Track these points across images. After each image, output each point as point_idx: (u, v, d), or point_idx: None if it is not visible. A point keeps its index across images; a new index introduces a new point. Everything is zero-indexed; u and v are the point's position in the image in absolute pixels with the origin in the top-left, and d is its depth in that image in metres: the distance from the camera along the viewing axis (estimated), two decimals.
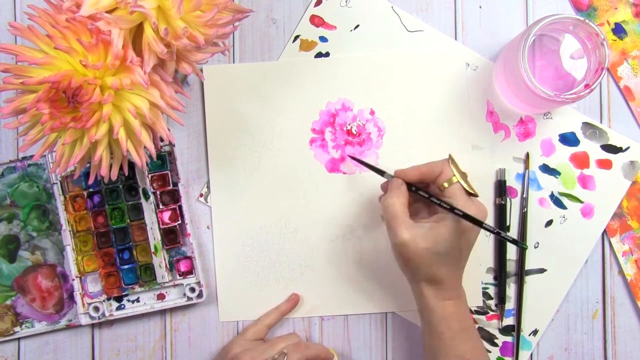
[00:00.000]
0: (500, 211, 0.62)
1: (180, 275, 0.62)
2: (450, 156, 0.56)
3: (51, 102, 0.46)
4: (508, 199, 0.63)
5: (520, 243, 0.54)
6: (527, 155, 0.63)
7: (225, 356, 0.59)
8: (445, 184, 0.54)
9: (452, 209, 0.53)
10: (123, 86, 0.46)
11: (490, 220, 0.63)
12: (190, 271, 0.62)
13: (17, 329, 0.63)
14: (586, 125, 0.63)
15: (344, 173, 0.63)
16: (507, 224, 0.63)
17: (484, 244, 0.63)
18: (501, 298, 0.62)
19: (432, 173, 0.55)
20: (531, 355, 0.63)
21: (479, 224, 0.53)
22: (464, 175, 0.55)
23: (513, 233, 0.63)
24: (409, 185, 0.56)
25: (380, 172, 0.58)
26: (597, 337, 0.63)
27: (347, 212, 0.63)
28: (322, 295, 0.63)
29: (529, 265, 0.63)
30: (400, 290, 0.63)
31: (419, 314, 0.56)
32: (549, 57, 0.59)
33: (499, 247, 0.63)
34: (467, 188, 0.54)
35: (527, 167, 0.63)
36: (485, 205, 0.55)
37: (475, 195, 0.55)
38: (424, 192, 0.55)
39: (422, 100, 0.63)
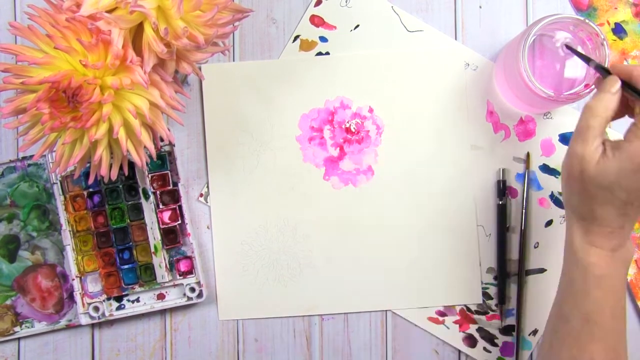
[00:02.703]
0: (501, 211, 0.62)
1: (180, 275, 0.62)
2: None
3: (51, 102, 0.46)
4: (508, 199, 0.63)
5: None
6: (528, 155, 0.63)
7: None
8: None
9: None
10: (123, 86, 0.46)
11: (490, 220, 0.63)
12: (190, 271, 0.62)
13: (17, 328, 0.63)
14: None
15: (343, 171, 0.63)
16: (508, 224, 0.63)
17: (484, 244, 0.63)
18: (501, 298, 0.62)
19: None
20: (531, 355, 0.63)
21: None
22: None
23: (513, 233, 0.63)
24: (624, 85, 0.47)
25: (587, 60, 0.52)
26: None
27: (346, 210, 0.63)
28: (322, 294, 0.63)
29: (529, 265, 0.63)
30: (401, 288, 0.63)
31: (564, 250, 0.50)
32: (549, 57, 0.59)
33: (499, 247, 0.63)
34: None
35: (527, 167, 0.63)
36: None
37: None
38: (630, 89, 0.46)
39: (421, 100, 0.63)
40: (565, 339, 0.48)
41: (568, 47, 0.54)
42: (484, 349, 0.63)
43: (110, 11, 0.47)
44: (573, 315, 0.47)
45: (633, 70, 0.46)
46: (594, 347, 0.47)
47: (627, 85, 0.47)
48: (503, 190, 0.62)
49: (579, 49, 0.54)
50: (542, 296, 0.63)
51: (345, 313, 0.64)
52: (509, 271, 0.63)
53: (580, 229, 0.47)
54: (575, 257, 0.47)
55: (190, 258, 0.62)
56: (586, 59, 0.52)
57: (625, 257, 0.48)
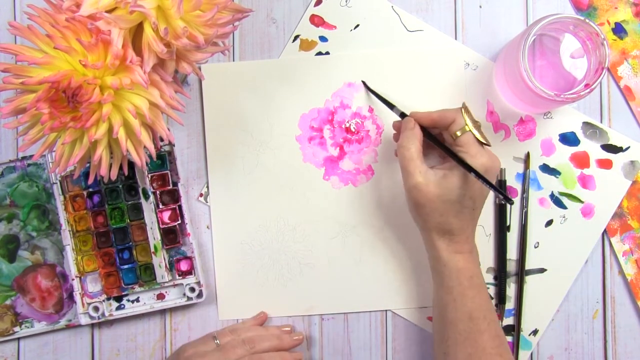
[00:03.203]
0: (501, 211, 0.62)
1: (180, 275, 0.62)
2: (464, 104, 0.55)
3: (51, 102, 0.46)
4: (496, 199, 0.63)
5: (509, 199, 0.51)
6: (528, 155, 0.63)
7: (177, 357, 0.58)
8: (458, 133, 0.54)
9: (459, 161, 0.52)
10: (123, 86, 0.46)
11: (490, 220, 0.63)
12: (190, 271, 0.62)
13: (16, 328, 0.63)
14: (586, 125, 0.63)
15: (343, 170, 0.63)
16: (508, 223, 0.63)
17: (484, 244, 0.63)
18: (501, 298, 0.62)
19: (445, 120, 0.55)
20: (531, 355, 0.63)
21: (483, 179, 0.51)
22: (476, 125, 0.54)
23: (513, 233, 0.63)
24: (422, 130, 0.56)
25: (390, 106, 0.59)
26: (597, 337, 0.63)
27: (346, 210, 0.63)
28: (322, 293, 0.63)
29: (529, 265, 0.63)
30: (401, 288, 0.63)
31: (431, 268, 0.57)
32: (549, 57, 0.59)
33: (499, 247, 0.63)
34: (479, 137, 0.54)
35: (527, 166, 0.63)
36: (498, 158, 0.55)
37: (488, 145, 0.54)
38: (435, 139, 0.55)
39: (421, 99, 0.63)
40: (458, 342, 0.53)
41: (365, 84, 0.62)
42: None
43: (110, 11, 0.47)
44: (458, 318, 0.53)
45: (431, 115, 0.55)
46: (483, 339, 0.53)
47: (425, 129, 0.56)
48: (503, 189, 0.62)
49: (376, 94, 0.62)
50: (542, 296, 0.63)
51: (345, 313, 0.64)
52: (509, 271, 0.63)
53: (444, 243, 0.54)
54: (446, 267, 0.54)
55: (190, 258, 0.62)
56: (389, 105, 0.60)
57: (477, 255, 0.56)
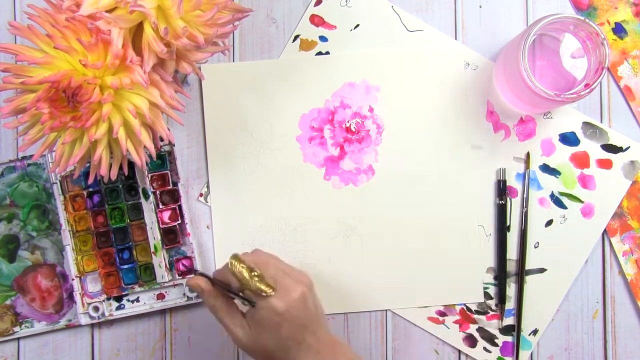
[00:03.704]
0: (501, 211, 0.62)
1: (180, 275, 0.62)
2: (232, 260, 0.52)
3: (51, 102, 0.46)
4: (508, 198, 0.63)
5: (252, 303, 0.51)
6: (528, 154, 0.63)
7: None
8: (241, 294, 0.52)
9: (249, 302, 0.51)
10: (123, 86, 0.46)
11: (490, 220, 0.63)
12: (190, 271, 0.62)
13: (16, 328, 0.63)
14: (586, 125, 0.63)
15: (344, 170, 0.63)
16: (508, 223, 0.63)
17: (484, 243, 0.63)
18: (501, 298, 0.62)
19: (224, 280, 0.53)
20: (531, 355, 0.63)
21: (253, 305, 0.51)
22: (253, 277, 0.50)
23: (513, 233, 0.63)
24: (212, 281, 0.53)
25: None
26: (597, 337, 0.63)
27: (347, 210, 0.63)
28: (322, 293, 0.63)
29: (529, 265, 0.63)
30: (401, 288, 0.63)
31: None
32: (549, 57, 0.59)
33: (499, 246, 0.63)
34: (258, 291, 0.50)
35: (527, 166, 0.63)
36: (303, 275, 0.52)
37: (269, 294, 0.50)
38: (226, 288, 0.53)
39: (421, 99, 0.63)
40: None
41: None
42: (484, 349, 0.63)
43: (110, 11, 0.47)
44: None
45: (220, 274, 0.53)
46: None
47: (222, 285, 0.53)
48: (503, 190, 0.62)
49: None
50: (542, 296, 0.63)
51: (345, 313, 0.64)
52: (509, 271, 0.63)
53: None
54: None
55: (190, 258, 0.62)
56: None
57: (344, 352, 0.53)
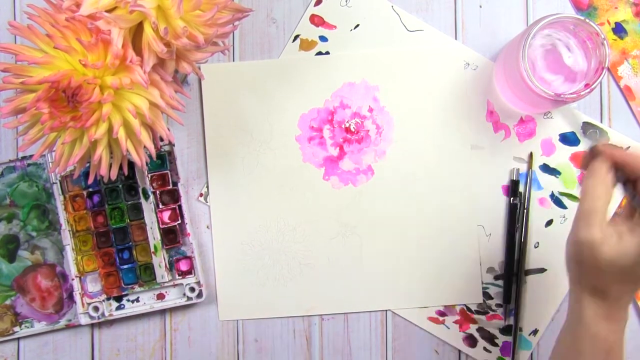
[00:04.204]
0: (511, 211, 0.62)
1: (180, 275, 0.62)
2: None
3: (51, 102, 0.46)
4: (519, 198, 0.62)
5: None
6: (531, 155, 0.63)
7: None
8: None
9: None
10: (123, 85, 0.46)
11: (501, 219, 0.63)
12: (190, 271, 0.62)
13: (16, 328, 0.63)
14: (586, 125, 0.63)
15: (343, 171, 0.63)
16: (517, 224, 0.62)
17: (484, 244, 0.63)
18: (506, 297, 0.62)
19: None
20: (531, 355, 0.63)
21: None
22: None
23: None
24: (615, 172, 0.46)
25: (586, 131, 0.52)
26: None
27: (346, 210, 0.63)
28: (322, 294, 0.63)
29: (529, 265, 0.63)
30: (401, 287, 0.63)
31: (568, 315, 0.50)
32: (549, 57, 0.58)
33: (508, 246, 0.62)
34: None
35: (530, 166, 0.63)
36: None
37: None
38: (631, 190, 0.46)
39: (421, 99, 0.63)
40: None
41: None
42: (484, 349, 0.63)
43: (109, 11, 0.47)
44: None
45: (631, 157, 0.46)
46: None
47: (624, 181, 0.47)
48: (515, 189, 0.62)
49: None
50: (542, 296, 0.63)
51: (345, 313, 0.64)
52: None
53: (593, 304, 0.47)
54: (586, 331, 0.47)
55: (190, 258, 0.62)
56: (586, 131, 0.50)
57: (625, 324, 0.48)
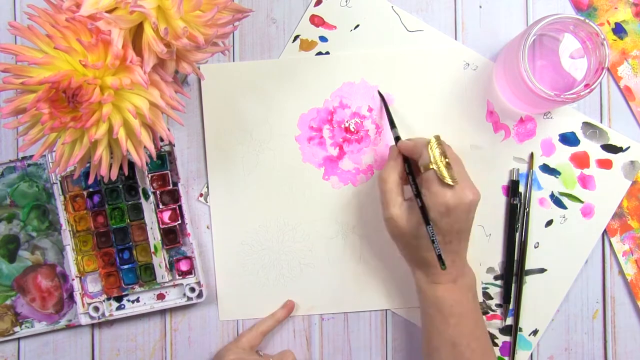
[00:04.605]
0: (511, 211, 0.62)
1: (180, 275, 0.62)
2: (435, 138, 0.54)
3: (51, 102, 0.46)
4: (519, 198, 0.62)
5: (441, 264, 0.52)
6: (532, 155, 0.63)
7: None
8: (422, 169, 0.54)
9: (416, 195, 0.53)
10: (123, 86, 0.46)
11: (501, 219, 0.63)
12: (190, 271, 0.62)
13: (17, 328, 0.63)
14: (586, 125, 0.63)
15: (343, 170, 0.63)
16: (518, 224, 0.62)
17: (484, 243, 0.63)
18: (506, 297, 0.62)
19: (415, 152, 0.55)
20: (531, 355, 0.63)
21: (427, 222, 0.52)
22: (444, 161, 0.53)
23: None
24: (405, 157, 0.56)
25: (392, 124, 0.60)
26: (597, 337, 0.63)
27: (346, 209, 0.63)
28: (322, 293, 0.63)
29: (529, 265, 0.63)
30: (401, 287, 0.63)
31: (417, 293, 0.57)
32: (549, 57, 0.59)
33: (508, 246, 0.63)
34: (442, 176, 0.52)
35: (531, 167, 0.63)
36: (473, 191, 0.53)
37: (451, 185, 0.52)
38: (411, 172, 0.55)
39: (421, 99, 0.63)
40: None
41: (380, 93, 0.62)
42: None
43: (110, 11, 0.47)
44: (441, 344, 0.54)
45: (413, 142, 0.55)
46: (454, 332, 0.54)
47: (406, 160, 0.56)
48: (515, 189, 0.62)
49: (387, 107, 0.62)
50: (542, 296, 0.63)
51: (345, 313, 0.64)
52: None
53: (422, 273, 0.55)
54: (426, 296, 0.55)
55: (190, 258, 0.62)
56: (392, 124, 0.60)
57: (467, 283, 0.55)
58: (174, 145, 0.62)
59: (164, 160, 0.62)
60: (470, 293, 0.55)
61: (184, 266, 0.62)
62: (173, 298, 0.63)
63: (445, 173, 0.52)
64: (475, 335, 0.54)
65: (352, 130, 0.63)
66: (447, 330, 0.54)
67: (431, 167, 0.53)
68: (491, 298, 0.63)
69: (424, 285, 0.55)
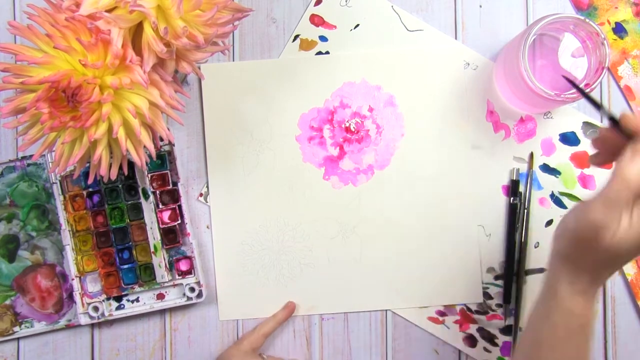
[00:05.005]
0: (511, 211, 0.62)
1: (179, 275, 0.62)
2: None
3: (51, 102, 0.46)
4: (519, 198, 0.62)
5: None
6: (532, 155, 0.63)
7: None
8: None
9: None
10: (123, 85, 0.46)
11: (501, 219, 0.63)
12: (189, 271, 0.62)
13: (16, 328, 0.63)
14: (586, 125, 0.63)
15: (343, 170, 0.63)
16: (518, 223, 0.62)
17: (484, 244, 0.63)
18: (507, 297, 0.62)
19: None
20: None
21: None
22: None
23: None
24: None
25: (598, 106, 0.46)
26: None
27: (346, 210, 0.63)
28: (322, 293, 0.63)
29: (529, 265, 0.63)
30: (401, 287, 0.63)
31: (543, 288, 0.48)
32: (549, 57, 0.59)
33: (508, 246, 0.63)
34: None
35: (531, 166, 0.63)
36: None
37: None
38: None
39: (421, 99, 0.63)
40: None
41: (568, 79, 0.51)
42: (484, 349, 0.63)
43: (109, 10, 0.47)
44: (553, 357, 0.47)
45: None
46: (571, 353, 0.46)
47: None
48: (515, 189, 0.62)
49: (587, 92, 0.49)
50: None
51: (345, 313, 0.64)
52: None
53: (569, 278, 0.45)
54: (560, 304, 0.46)
55: (190, 258, 0.62)
56: (597, 106, 0.47)
57: (595, 302, 0.48)
58: (173, 145, 0.62)
59: (163, 160, 0.62)
60: (594, 311, 0.49)
61: (183, 266, 0.62)
62: (173, 298, 0.63)
63: None
64: (588, 356, 0.47)
65: (353, 130, 0.63)
66: (564, 348, 0.46)
67: None
68: (491, 298, 0.63)
69: (565, 292, 0.45)
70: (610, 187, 0.41)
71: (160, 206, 0.61)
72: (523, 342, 0.50)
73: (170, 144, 0.62)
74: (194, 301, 0.62)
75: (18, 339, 0.63)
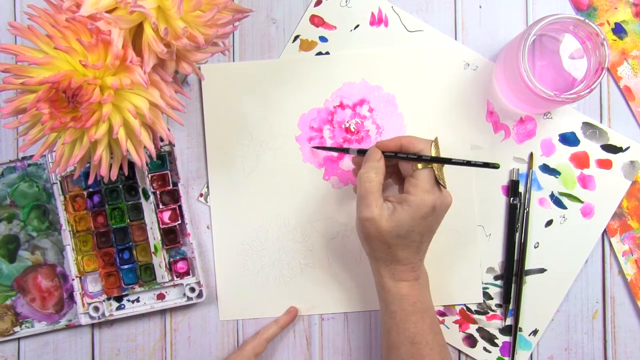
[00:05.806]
0: (511, 211, 0.62)
1: (179, 275, 0.62)
2: (436, 139, 0.54)
3: (51, 102, 0.46)
4: (519, 198, 0.62)
5: (491, 164, 0.53)
6: (531, 155, 0.63)
7: None
8: (419, 165, 0.53)
9: (460, 163, 0.53)
10: (123, 86, 0.46)
11: (501, 219, 0.63)
12: (190, 271, 0.62)
13: (17, 328, 0.63)
14: (586, 125, 0.63)
15: (343, 170, 0.63)
16: (518, 224, 0.62)
17: (484, 244, 0.63)
18: (506, 297, 0.62)
19: (411, 149, 0.54)
20: (531, 355, 0.63)
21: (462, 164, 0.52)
22: (440, 164, 0.54)
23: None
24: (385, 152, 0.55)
25: (345, 150, 0.60)
26: (597, 337, 0.63)
27: (346, 210, 0.63)
28: (322, 293, 0.63)
29: (529, 265, 0.63)
30: None
31: (377, 294, 0.57)
32: (549, 57, 0.59)
33: (508, 246, 0.63)
34: (440, 177, 0.53)
35: (530, 167, 0.63)
36: (451, 196, 0.55)
37: (444, 187, 0.54)
38: (403, 154, 0.54)
39: (421, 99, 0.63)
40: None
41: (316, 147, 0.63)
42: (484, 349, 0.63)
43: (110, 11, 0.47)
44: (401, 342, 0.55)
45: (401, 139, 0.55)
46: (416, 329, 0.54)
47: (395, 154, 0.55)
48: (515, 189, 0.62)
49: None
50: (542, 296, 0.63)
51: (345, 313, 0.64)
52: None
53: (388, 272, 0.55)
54: (389, 294, 0.55)
55: (190, 258, 0.62)
56: (344, 151, 0.60)
57: (425, 281, 0.56)
58: (174, 145, 0.62)
59: (164, 160, 0.62)
60: (428, 291, 0.56)
61: (183, 266, 0.62)
62: (173, 298, 0.63)
63: (443, 174, 0.53)
64: (434, 332, 0.55)
65: (353, 130, 0.63)
66: (407, 328, 0.54)
67: (429, 166, 0.53)
68: (491, 298, 0.63)
69: (389, 283, 0.55)
70: (359, 188, 0.54)
71: (161, 206, 0.61)
72: (382, 346, 0.57)
73: (171, 144, 0.62)
74: (194, 301, 0.62)
75: (18, 339, 0.63)
